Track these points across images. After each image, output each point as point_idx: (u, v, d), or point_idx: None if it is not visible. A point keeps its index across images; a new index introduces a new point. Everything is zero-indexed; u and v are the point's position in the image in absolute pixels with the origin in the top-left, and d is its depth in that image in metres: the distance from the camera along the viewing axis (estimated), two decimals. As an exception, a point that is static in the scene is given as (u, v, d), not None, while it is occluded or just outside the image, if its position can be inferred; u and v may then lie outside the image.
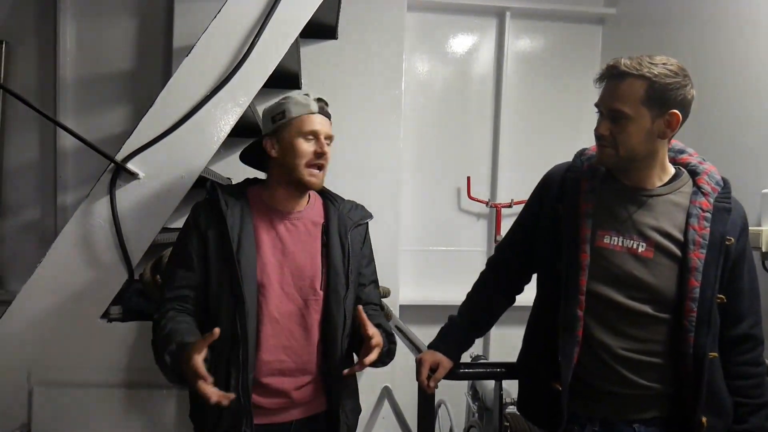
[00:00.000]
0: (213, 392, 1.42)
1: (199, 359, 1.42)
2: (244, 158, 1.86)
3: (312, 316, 1.70)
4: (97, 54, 3.18)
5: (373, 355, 1.58)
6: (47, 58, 3.14)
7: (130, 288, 2.10)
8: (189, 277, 1.67)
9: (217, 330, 1.44)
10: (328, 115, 1.75)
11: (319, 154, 1.69)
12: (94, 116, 3.16)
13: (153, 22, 3.18)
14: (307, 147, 1.69)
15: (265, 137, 1.73)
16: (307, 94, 1.73)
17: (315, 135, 1.69)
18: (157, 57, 3.19)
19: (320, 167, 1.71)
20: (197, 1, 2.93)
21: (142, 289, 2.16)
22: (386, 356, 1.72)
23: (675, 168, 1.63)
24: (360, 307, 1.65)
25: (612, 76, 1.51)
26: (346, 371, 1.65)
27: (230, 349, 1.60)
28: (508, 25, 3.69)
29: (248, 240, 1.65)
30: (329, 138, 1.73)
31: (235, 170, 2.76)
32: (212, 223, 1.67)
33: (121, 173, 2.02)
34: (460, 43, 3.76)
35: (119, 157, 2.00)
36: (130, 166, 2.01)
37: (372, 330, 1.60)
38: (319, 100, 1.74)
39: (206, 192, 1.74)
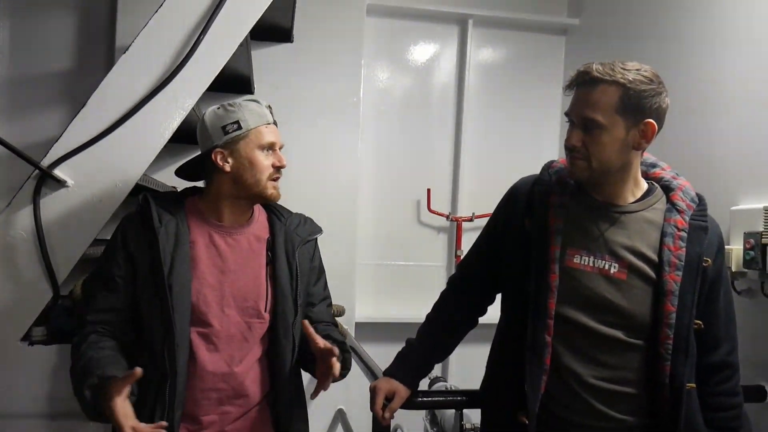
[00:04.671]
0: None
1: (122, 400, 1.27)
2: (180, 172, 1.72)
3: (256, 342, 1.55)
4: (32, 52, 2.95)
5: (336, 369, 1.45)
6: (-23, 58, 2.91)
7: (56, 306, 1.90)
8: (112, 300, 1.52)
9: (138, 370, 1.29)
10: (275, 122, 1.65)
11: (279, 167, 1.59)
12: (28, 119, 2.92)
13: (95, 19, 2.97)
14: (267, 161, 1.58)
15: (216, 149, 1.56)
16: (257, 102, 1.59)
17: (272, 147, 1.59)
18: (99, 56, 2.97)
19: (277, 179, 1.61)
20: (142, -5, 2.76)
21: (71, 307, 1.96)
22: (342, 368, 1.56)
23: (648, 183, 1.53)
24: (305, 321, 1.51)
25: (583, 83, 1.41)
26: (312, 397, 1.51)
27: (158, 382, 1.44)
28: (471, 33, 3.58)
29: (182, 260, 1.49)
30: (281, 147, 1.64)
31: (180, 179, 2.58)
32: (141, 242, 1.52)
33: (46, 180, 1.82)
34: (422, 50, 3.63)
35: (45, 162, 1.81)
36: (58, 172, 1.82)
37: (323, 342, 1.46)
38: (268, 107, 1.63)
39: (137, 205, 1.57)
